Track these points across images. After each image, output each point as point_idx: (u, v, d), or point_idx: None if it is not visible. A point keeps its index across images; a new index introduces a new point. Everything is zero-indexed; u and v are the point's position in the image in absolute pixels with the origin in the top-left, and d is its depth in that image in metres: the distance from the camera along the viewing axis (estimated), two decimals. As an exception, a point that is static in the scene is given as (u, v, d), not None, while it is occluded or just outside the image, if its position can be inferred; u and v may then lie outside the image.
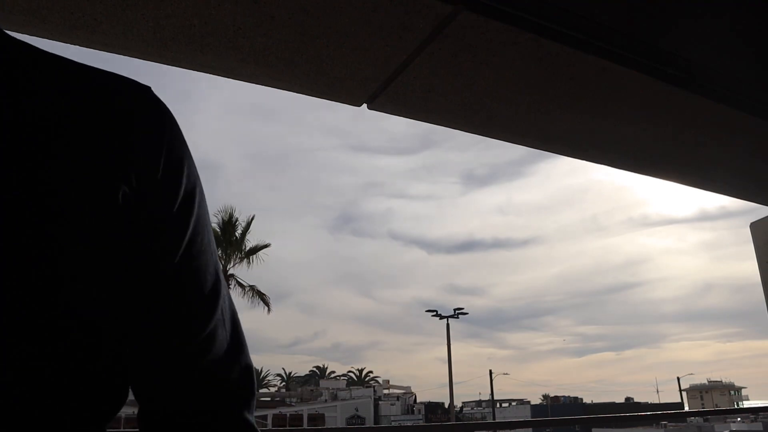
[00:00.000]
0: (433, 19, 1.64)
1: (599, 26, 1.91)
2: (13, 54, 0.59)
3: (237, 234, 28.78)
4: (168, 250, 0.61)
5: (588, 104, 2.31)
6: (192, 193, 0.64)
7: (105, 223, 0.55)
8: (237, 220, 29.06)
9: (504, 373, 55.22)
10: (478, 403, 63.52)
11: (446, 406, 48.07)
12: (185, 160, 0.64)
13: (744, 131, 2.55)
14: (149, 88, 0.64)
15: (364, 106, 2.09)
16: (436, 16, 1.64)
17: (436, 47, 1.78)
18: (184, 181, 0.63)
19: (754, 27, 2.44)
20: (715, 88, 2.32)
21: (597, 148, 2.76)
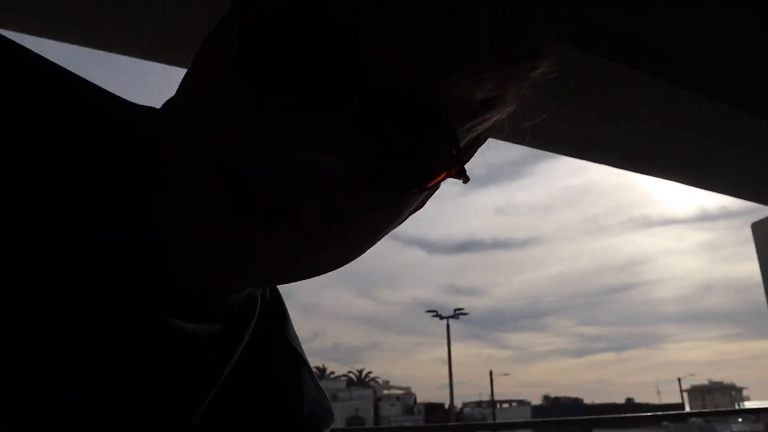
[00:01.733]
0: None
1: (599, 26, 1.91)
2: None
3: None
4: None
5: (588, 104, 2.30)
6: None
7: None
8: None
9: (504, 374, 55.32)
10: (479, 403, 63.55)
11: (446, 406, 48.09)
12: None
13: (744, 131, 2.55)
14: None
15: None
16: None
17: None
18: None
19: (755, 27, 2.43)
20: (716, 88, 2.32)
21: (597, 148, 2.75)
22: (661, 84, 2.17)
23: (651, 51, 2.07)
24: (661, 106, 2.34)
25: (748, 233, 4.31)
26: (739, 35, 2.16)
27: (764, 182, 3.11)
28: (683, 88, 2.23)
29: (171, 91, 0.54)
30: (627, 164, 2.94)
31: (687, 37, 2.14)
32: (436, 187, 0.49)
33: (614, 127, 2.51)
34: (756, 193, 3.29)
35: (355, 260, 0.51)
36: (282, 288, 0.72)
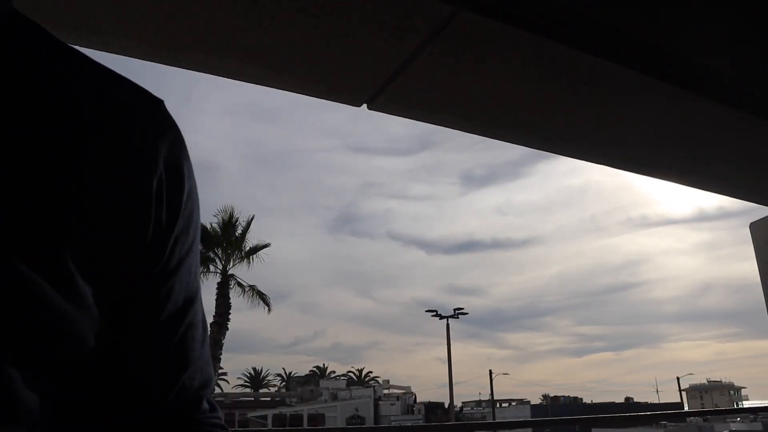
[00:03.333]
0: (432, 19, 1.64)
1: (599, 26, 1.91)
2: (33, 40, 0.62)
3: (237, 234, 28.80)
4: (165, 264, 0.65)
5: (588, 104, 2.30)
6: (192, 215, 0.69)
7: (130, 221, 0.60)
8: (237, 220, 29.07)
9: (504, 373, 55.31)
10: (478, 403, 63.47)
11: (446, 406, 48.05)
12: (189, 178, 0.68)
13: (744, 131, 2.55)
14: (162, 101, 0.68)
15: (364, 106, 2.09)
16: (436, 17, 1.63)
17: (436, 47, 1.78)
18: (187, 199, 0.67)
19: (754, 26, 2.44)
20: (716, 88, 2.32)
21: (597, 148, 2.76)
22: (660, 84, 2.17)
23: (650, 52, 2.08)
24: (660, 106, 2.34)
25: (746, 233, 4.32)
26: (739, 36, 2.16)
27: (762, 182, 3.12)
28: (683, 89, 2.23)
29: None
30: (627, 164, 2.94)
31: (686, 38, 2.14)
32: None
33: (614, 127, 2.51)
34: (754, 194, 3.29)
35: None
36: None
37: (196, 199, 0.69)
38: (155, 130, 0.64)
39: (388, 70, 1.89)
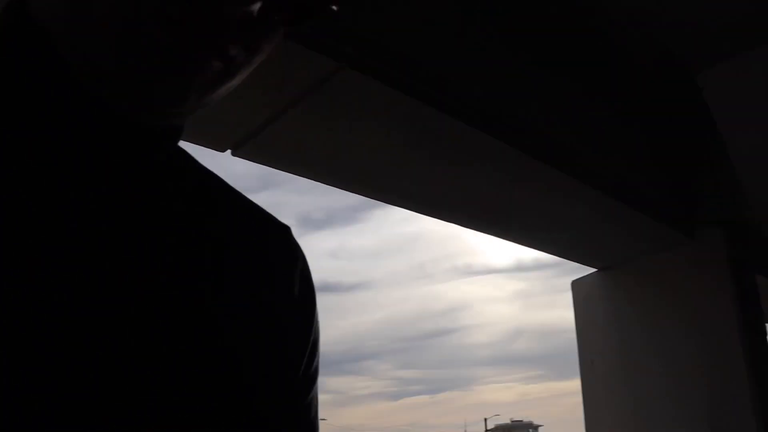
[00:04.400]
0: (315, 73, 1.62)
1: (467, 95, 2.02)
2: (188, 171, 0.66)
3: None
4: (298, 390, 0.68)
5: (443, 166, 2.38)
6: (317, 341, 0.70)
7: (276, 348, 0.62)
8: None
9: (321, 419, 54.93)
10: (296, 451, 62.24)
11: (263, 456, 46.50)
12: (315, 304, 0.70)
13: (576, 197, 2.77)
14: (289, 228, 0.73)
15: (228, 152, 2.00)
16: (319, 71, 1.62)
17: (313, 101, 1.76)
18: (315, 325, 0.69)
19: (587, 96, 2.72)
20: (545, 150, 2.43)
21: (420, 199, 2.76)
22: (491, 140, 2.19)
23: (482, 109, 2.22)
24: (486, 159, 2.37)
25: (558, 283, 4.82)
26: (573, 104, 2.35)
27: (584, 245, 3.44)
28: (514, 147, 2.29)
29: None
30: (450, 217, 2.93)
31: (534, 110, 2.33)
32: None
33: (437, 178, 2.52)
34: (579, 255, 3.61)
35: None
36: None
37: (319, 326, 0.69)
38: (288, 259, 0.67)
39: (260, 119, 1.83)
